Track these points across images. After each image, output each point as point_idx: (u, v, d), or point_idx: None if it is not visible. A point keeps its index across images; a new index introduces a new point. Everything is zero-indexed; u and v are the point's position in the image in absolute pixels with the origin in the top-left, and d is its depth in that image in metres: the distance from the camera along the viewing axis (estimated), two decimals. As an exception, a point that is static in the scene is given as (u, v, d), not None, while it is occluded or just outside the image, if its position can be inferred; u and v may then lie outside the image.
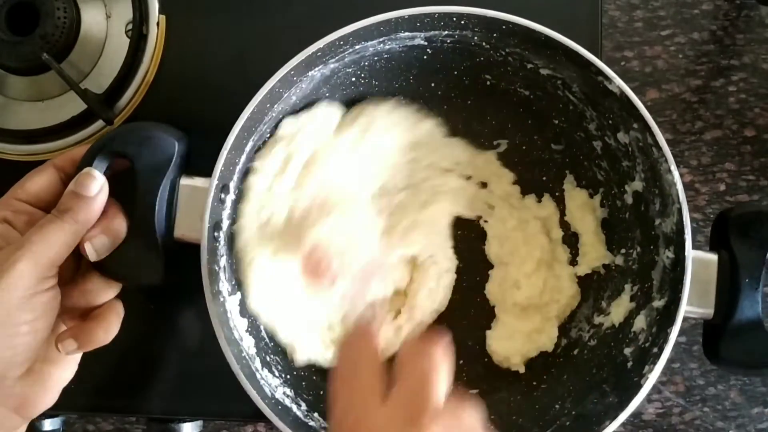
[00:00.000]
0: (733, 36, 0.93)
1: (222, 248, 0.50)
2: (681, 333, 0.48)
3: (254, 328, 0.53)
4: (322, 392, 0.54)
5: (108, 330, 0.47)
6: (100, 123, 0.57)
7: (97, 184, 0.46)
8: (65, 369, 0.47)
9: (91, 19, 0.57)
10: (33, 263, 0.42)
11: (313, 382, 0.55)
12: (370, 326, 0.44)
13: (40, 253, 0.43)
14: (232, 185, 0.51)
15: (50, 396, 0.46)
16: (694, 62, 0.92)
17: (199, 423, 0.62)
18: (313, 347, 0.54)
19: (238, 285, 0.52)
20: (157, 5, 0.58)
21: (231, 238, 0.52)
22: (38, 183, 0.47)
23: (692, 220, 0.47)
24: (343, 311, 0.49)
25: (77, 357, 0.48)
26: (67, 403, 0.47)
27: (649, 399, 0.89)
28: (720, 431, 0.86)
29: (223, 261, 0.50)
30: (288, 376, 0.53)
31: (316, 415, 0.53)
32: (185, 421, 0.60)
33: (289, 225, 0.52)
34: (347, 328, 0.53)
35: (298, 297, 0.54)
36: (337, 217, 0.51)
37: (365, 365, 0.40)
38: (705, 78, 0.92)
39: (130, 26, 0.57)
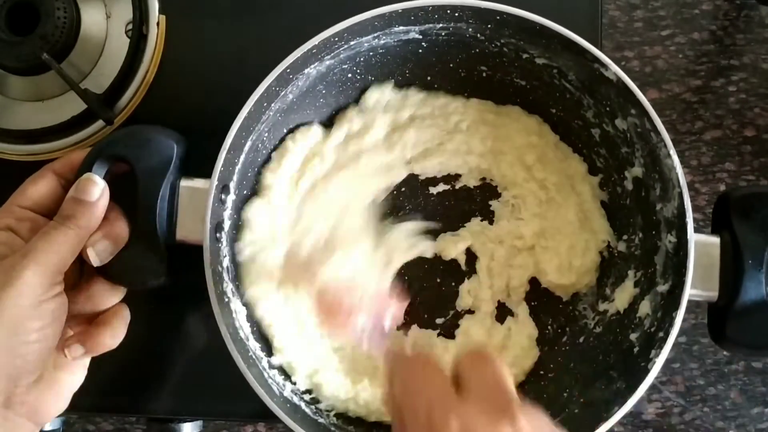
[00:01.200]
0: (733, 36, 0.93)
1: (224, 249, 0.50)
2: (681, 333, 0.48)
3: (259, 327, 0.53)
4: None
5: (114, 334, 0.48)
6: (100, 123, 0.57)
7: (97, 189, 0.46)
8: (75, 375, 0.47)
9: (91, 19, 0.58)
10: (40, 271, 0.42)
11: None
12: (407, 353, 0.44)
13: (46, 260, 0.43)
14: (232, 185, 0.51)
15: (61, 402, 0.46)
16: (694, 62, 0.92)
17: (199, 423, 0.61)
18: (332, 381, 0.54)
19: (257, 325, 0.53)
20: (157, 5, 0.58)
21: (233, 240, 0.52)
22: (39, 189, 0.47)
23: (693, 220, 0.47)
24: (366, 345, 0.49)
25: (86, 362, 0.48)
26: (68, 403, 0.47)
27: (649, 399, 0.88)
28: (720, 431, 0.85)
29: (226, 262, 0.50)
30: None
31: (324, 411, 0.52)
32: (185, 421, 0.59)
33: (294, 264, 0.53)
34: (380, 359, 0.52)
35: (310, 333, 0.54)
36: (342, 252, 0.51)
37: (432, 374, 0.40)
38: (705, 78, 0.92)
39: (130, 26, 0.58)
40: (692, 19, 0.93)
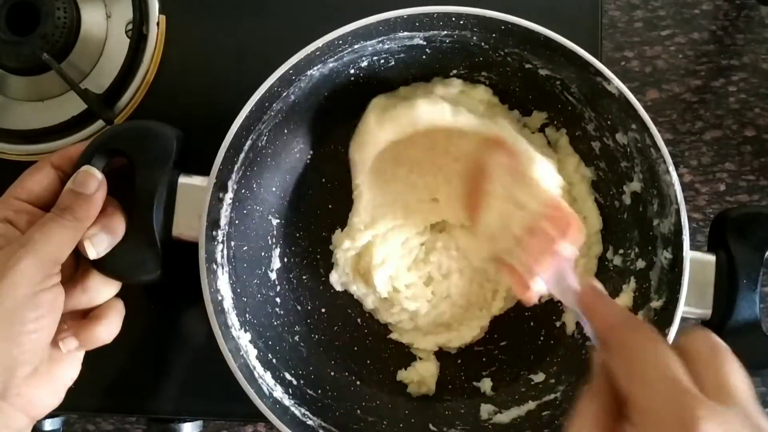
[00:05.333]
0: (733, 36, 0.93)
1: (220, 247, 0.51)
2: (681, 333, 0.48)
3: (252, 326, 0.53)
4: (319, 391, 0.55)
5: (109, 328, 0.48)
6: (100, 123, 0.57)
7: (95, 182, 0.46)
8: (69, 369, 0.47)
9: (91, 19, 0.57)
10: (37, 261, 0.42)
11: (310, 380, 0.55)
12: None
13: (43, 251, 0.43)
14: (230, 184, 0.51)
15: (56, 396, 0.46)
16: (694, 62, 0.92)
17: (199, 423, 0.61)
18: None
19: None
20: (157, 5, 0.58)
21: (229, 237, 0.52)
22: (37, 182, 0.47)
23: (692, 220, 0.47)
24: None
25: (80, 357, 0.48)
26: (68, 403, 0.47)
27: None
28: (720, 431, 0.87)
29: (221, 259, 0.51)
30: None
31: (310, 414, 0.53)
32: (185, 421, 0.59)
33: None
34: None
35: None
36: None
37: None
38: (705, 78, 0.92)
39: (130, 26, 0.57)
40: (692, 19, 0.92)
